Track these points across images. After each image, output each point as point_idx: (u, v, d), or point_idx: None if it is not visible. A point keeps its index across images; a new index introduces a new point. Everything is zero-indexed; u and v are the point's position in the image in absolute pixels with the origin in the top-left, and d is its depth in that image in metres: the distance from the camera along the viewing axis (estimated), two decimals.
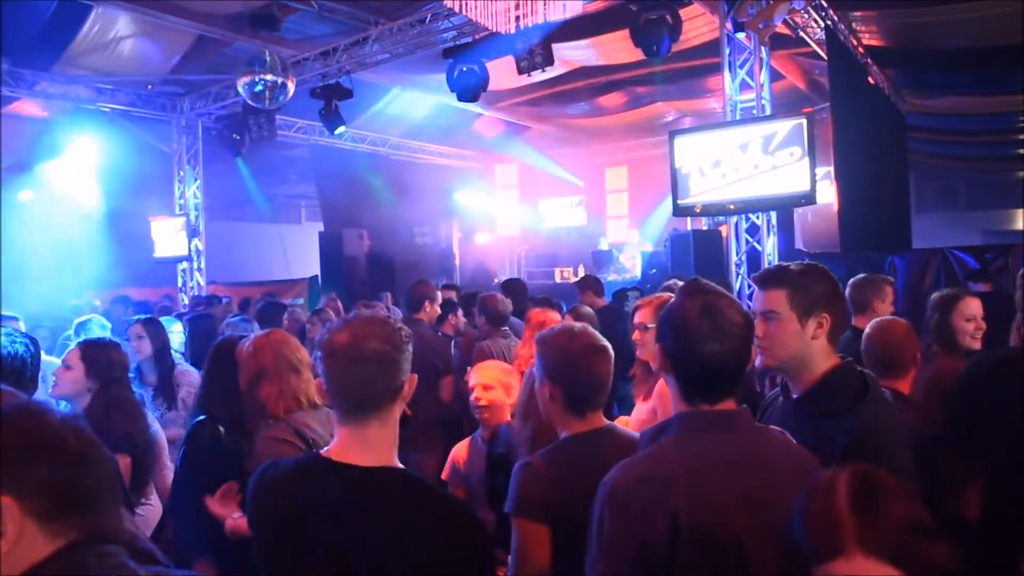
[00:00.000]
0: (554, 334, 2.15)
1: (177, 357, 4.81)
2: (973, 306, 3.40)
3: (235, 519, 2.49)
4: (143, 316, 4.88)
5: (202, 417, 2.82)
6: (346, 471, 1.61)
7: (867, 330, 3.15)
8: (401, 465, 1.70)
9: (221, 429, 2.76)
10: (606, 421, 2.19)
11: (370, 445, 1.64)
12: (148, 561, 1.11)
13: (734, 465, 1.54)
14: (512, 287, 6.39)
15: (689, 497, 1.47)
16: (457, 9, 7.25)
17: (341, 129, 10.39)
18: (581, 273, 12.91)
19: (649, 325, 3.07)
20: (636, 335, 3.13)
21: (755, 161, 6.93)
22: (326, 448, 1.69)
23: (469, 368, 3.88)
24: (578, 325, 2.33)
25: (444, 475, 3.35)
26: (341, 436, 1.66)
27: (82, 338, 3.77)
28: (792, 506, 1.45)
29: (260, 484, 1.68)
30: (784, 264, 2.09)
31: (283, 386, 2.59)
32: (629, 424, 2.91)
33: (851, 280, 4.08)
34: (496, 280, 13.55)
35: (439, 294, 5.53)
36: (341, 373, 1.63)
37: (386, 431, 1.67)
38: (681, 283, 5.10)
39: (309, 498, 1.60)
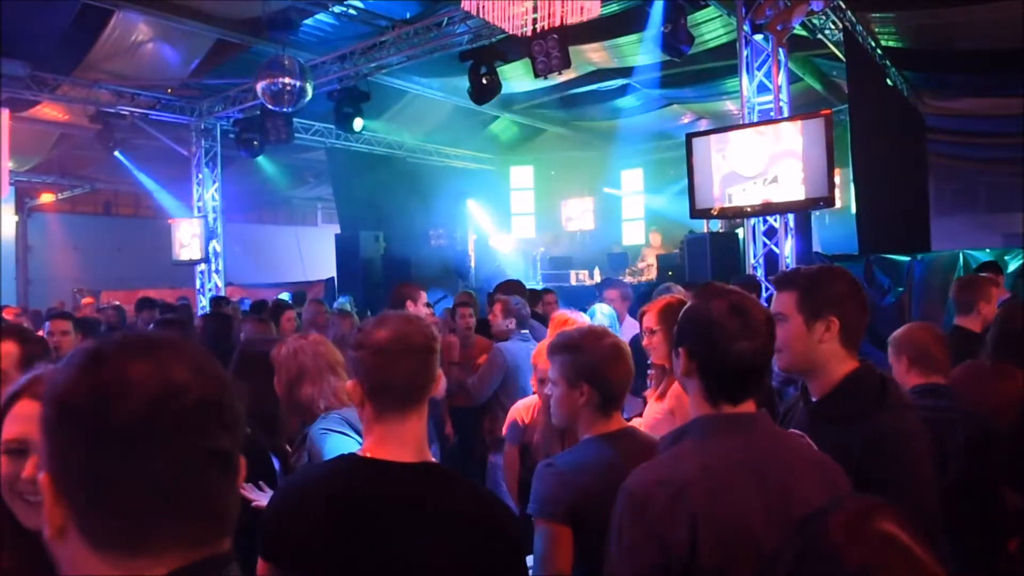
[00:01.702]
0: (581, 336, 2.16)
1: None
2: None
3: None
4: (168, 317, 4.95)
5: None
6: (389, 469, 1.61)
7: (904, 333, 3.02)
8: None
9: (248, 429, 2.80)
10: (626, 422, 2.20)
11: (408, 441, 1.65)
12: None
13: (753, 468, 1.54)
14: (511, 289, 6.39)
15: (707, 501, 1.47)
16: (474, 12, 7.26)
17: (359, 123, 10.40)
18: (597, 276, 12.89)
19: (655, 328, 3.07)
20: (645, 340, 3.14)
21: (773, 163, 6.90)
22: (359, 449, 1.69)
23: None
24: (598, 327, 2.35)
25: (503, 431, 3.43)
26: (377, 433, 1.66)
27: None
28: (811, 508, 1.45)
29: (300, 490, 1.65)
30: (799, 267, 2.08)
31: (323, 386, 2.67)
32: (641, 425, 2.91)
33: (956, 280, 4.06)
34: None
35: (423, 294, 5.49)
36: (389, 366, 1.64)
37: (422, 426, 1.69)
38: (678, 287, 5.09)
39: (354, 500, 1.59)
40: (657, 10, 7.48)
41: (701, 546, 1.44)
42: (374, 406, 1.66)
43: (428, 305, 5.89)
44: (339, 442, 2.52)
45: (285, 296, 10.71)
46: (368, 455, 1.64)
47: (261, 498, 2.56)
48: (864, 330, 2.07)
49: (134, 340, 0.84)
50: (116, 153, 11.84)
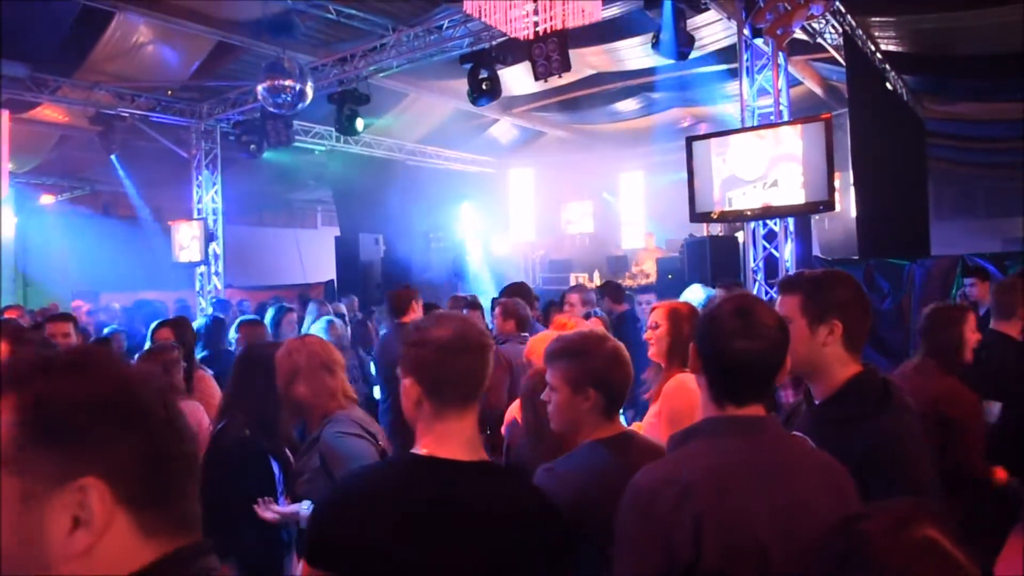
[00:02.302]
0: (583, 340, 2.14)
1: None
2: (973, 317, 3.39)
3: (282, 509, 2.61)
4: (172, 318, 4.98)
5: (227, 421, 2.87)
6: (452, 467, 1.61)
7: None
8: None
9: (247, 431, 2.83)
10: (625, 426, 2.19)
11: (467, 439, 1.65)
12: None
13: (759, 471, 1.55)
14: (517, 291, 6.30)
15: (713, 501, 1.48)
16: (474, 15, 7.27)
17: (359, 125, 10.37)
18: (597, 279, 12.88)
19: (659, 323, 3.11)
20: (647, 334, 3.18)
21: (773, 167, 6.91)
22: (416, 448, 1.66)
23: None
24: (597, 330, 2.34)
25: (503, 429, 3.42)
26: (437, 432, 1.64)
27: None
28: (819, 512, 1.46)
29: (361, 492, 1.60)
30: (803, 271, 2.10)
31: (317, 385, 2.66)
32: (641, 429, 2.92)
33: (996, 284, 4.03)
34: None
35: (420, 298, 5.50)
36: (450, 364, 1.64)
37: (476, 424, 1.69)
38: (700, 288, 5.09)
39: (421, 500, 1.56)
40: (658, 13, 7.48)
41: (705, 546, 1.45)
42: (433, 404, 1.64)
43: (426, 308, 5.90)
44: (356, 445, 2.55)
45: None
46: (428, 454, 1.62)
47: (274, 513, 2.61)
48: (867, 334, 2.08)
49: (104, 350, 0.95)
50: (112, 157, 11.84)
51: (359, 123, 10.30)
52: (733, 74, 8.77)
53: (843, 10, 8.18)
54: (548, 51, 7.63)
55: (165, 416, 0.86)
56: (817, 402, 2.03)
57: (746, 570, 1.47)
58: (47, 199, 17.04)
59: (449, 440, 1.63)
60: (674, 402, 2.85)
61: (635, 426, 3.01)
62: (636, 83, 11.47)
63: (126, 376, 0.86)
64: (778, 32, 6.94)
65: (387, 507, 1.54)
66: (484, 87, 8.72)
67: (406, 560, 1.50)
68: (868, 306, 2.08)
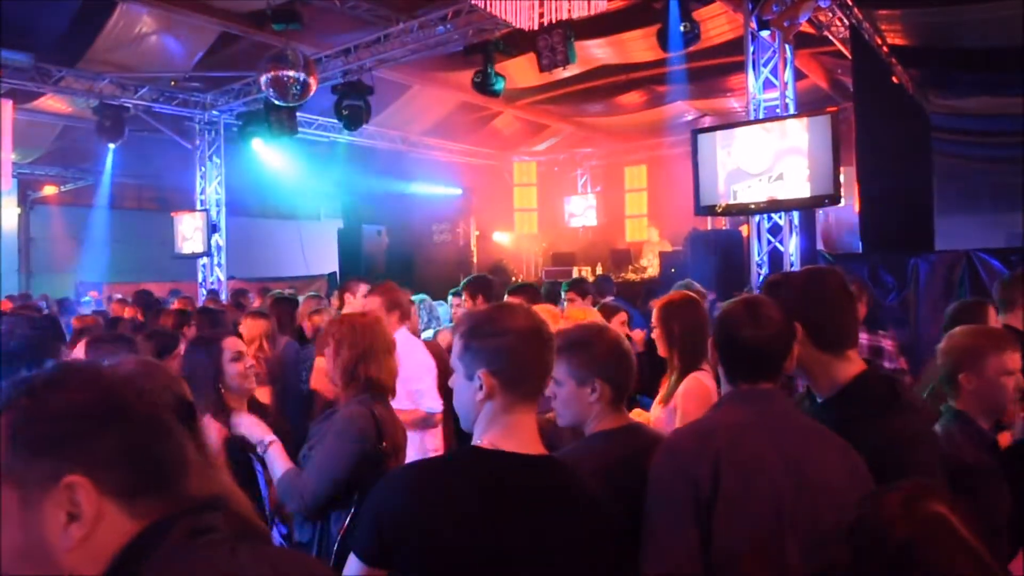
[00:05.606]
0: (587, 332, 2.11)
1: None
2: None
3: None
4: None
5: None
6: (531, 461, 1.58)
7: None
8: None
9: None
10: (631, 418, 2.18)
11: (533, 433, 1.61)
12: (245, 527, 1.00)
13: (770, 427, 1.75)
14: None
15: (730, 444, 1.69)
16: (480, 6, 7.24)
17: (362, 117, 10.29)
18: (600, 272, 12.86)
19: (654, 323, 3.17)
20: (654, 333, 3.22)
21: (778, 160, 6.88)
22: (479, 442, 1.60)
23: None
24: (599, 322, 2.34)
25: None
26: (504, 425, 1.59)
27: None
28: (827, 469, 1.68)
29: (436, 486, 1.53)
30: (784, 272, 2.17)
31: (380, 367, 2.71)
32: (650, 423, 2.93)
33: (1000, 278, 4.07)
34: (514, 278, 13.53)
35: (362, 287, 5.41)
36: (532, 355, 1.61)
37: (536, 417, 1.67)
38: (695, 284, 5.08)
39: (508, 494, 1.52)
40: (663, 6, 7.44)
41: (723, 484, 1.64)
42: (506, 397, 1.59)
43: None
44: (363, 424, 2.59)
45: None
46: (496, 448, 1.57)
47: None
48: (846, 329, 2.04)
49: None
50: (110, 147, 11.82)
51: (360, 117, 10.26)
52: (739, 67, 8.72)
53: (850, 2, 8.12)
54: (553, 43, 7.60)
55: (146, 413, 0.97)
56: (820, 400, 2.02)
57: (763, 510, 1.64)
58: (50, 190, 17.04)
59: (518, 433, 1.58)
60: (688, 404, 2.86)
61: (641, 416, 3.00)
62: (640, 76, 11.42)
63: (103, 382, 0.97)
64: (785, 24, 6.91)
65: (462, 505, 1.49)
66: (488, 79, 8.69)
67: (482, 557, 1.46)
68: (838, 302, 2.05)
